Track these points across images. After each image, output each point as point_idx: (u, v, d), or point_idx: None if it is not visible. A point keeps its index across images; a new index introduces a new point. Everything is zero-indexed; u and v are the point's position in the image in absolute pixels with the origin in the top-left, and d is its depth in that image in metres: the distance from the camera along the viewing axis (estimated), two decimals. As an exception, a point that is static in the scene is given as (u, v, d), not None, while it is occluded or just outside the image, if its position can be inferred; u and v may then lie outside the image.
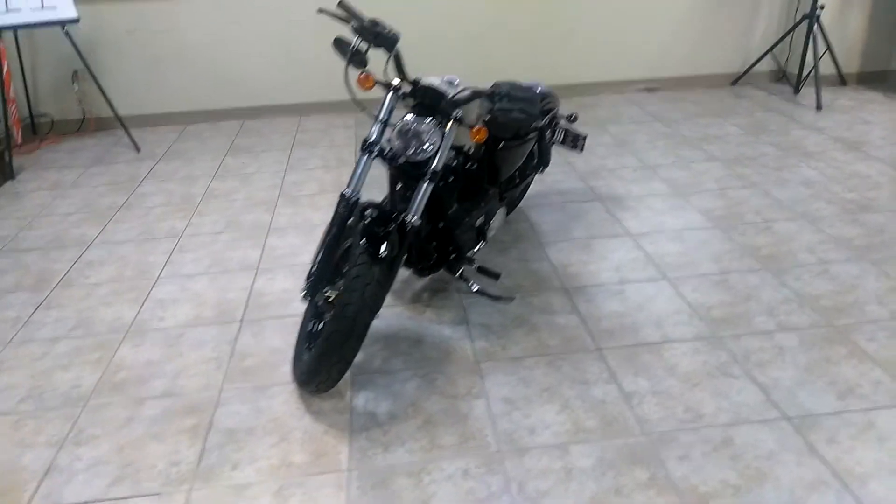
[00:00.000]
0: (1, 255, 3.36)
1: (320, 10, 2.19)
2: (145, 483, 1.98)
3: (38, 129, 5.21)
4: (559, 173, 4.06)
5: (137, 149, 4.79)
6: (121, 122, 4.84)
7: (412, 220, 2.24)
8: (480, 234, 2.81)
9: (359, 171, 2.23)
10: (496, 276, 2.72)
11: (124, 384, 2.40)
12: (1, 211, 3.88)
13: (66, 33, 4.51)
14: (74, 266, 3.22)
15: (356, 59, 2.18)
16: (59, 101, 5.17)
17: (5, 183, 4.29)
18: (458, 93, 2.25)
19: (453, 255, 2.66)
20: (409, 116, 2.20)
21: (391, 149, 2.26)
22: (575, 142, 3.42)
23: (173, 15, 5.04)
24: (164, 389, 2.37)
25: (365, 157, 2.24)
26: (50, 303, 2.93)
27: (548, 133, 3.18)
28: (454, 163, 2.56)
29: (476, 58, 5.44)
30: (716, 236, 3.24)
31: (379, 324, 2.68)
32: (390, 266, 2.16)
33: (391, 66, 2.28)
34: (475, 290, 2.73)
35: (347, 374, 2.38)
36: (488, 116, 2.33)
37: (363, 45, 2.17)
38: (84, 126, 5.22)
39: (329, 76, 5.30)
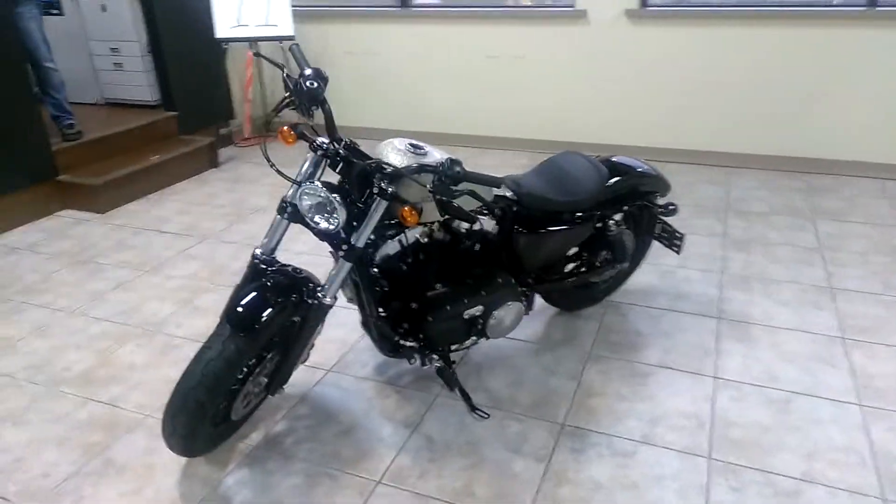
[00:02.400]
0: (143, 233, 3.86)
1: (256, 55, 1.99)
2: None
3: (272, 128, 5.92)
4: (699, 270, 3.18)
5: (321, 158, 5.12)
6: (313, 130, 5.23)
7: (323, 300, 1.92)
8: (473, 327, 2.31)
9: (272, 230, 2.00)
10: (450, 388, 2.20)
11: (90, 382, 2.52)
12: (181, 195, 4.48)
13: (282, 48, 5.01)
14: (175, 256, 3.54)
15: (299, 107, 1.94)
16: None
17: (208, 170, 4.95)
18: (378, 163, 1.87)
19: (424, 344, 2.23)
20: (316, 184, 1.89)
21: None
22: (670, 240, 2.64)
23: (384, 40, 5.26)
24: (112, 396, 2.43)
25: (278, 218, 1.99)
26: (129, 285, 3.25)
27: (612, 223, 2.49)
28: (426, 240, 2.13)
29: (700, 118, 4.63)
30: (846, 420, 2.18)
31: (335, 393, 2.40)
32: (273, 345, 1.90)
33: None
34: (455, 387, 2.25)
35: (251, 441, 2.16)
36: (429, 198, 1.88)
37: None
38: (302, 130, 5.78)
39: (507, 113, 5.09)
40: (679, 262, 3.27)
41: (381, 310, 2.14)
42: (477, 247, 2.27)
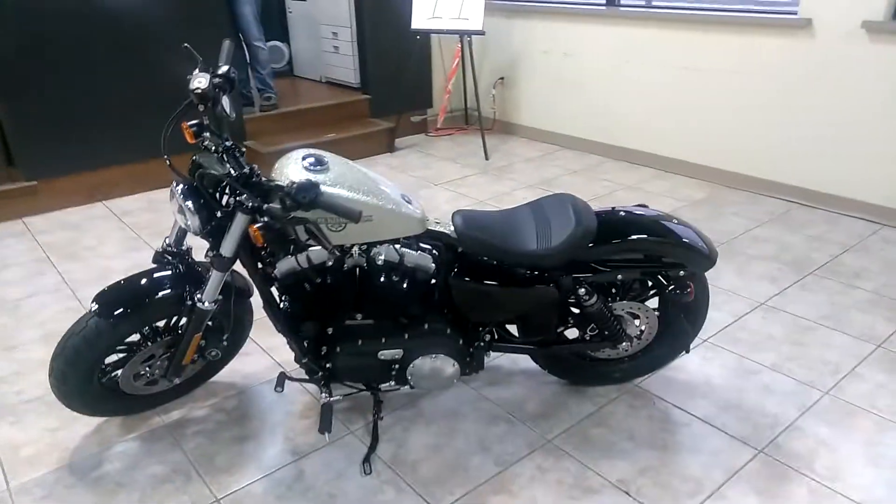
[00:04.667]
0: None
1: (185, 47, 1.90)
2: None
3: (469, 120, 5.93)
4: (796, 381, 2.33)
5: (486, 156, 4.97)
6: (480, 129, 5.09)
7: (197, 304, 1.88)
8: (388, 371, 2.03)
9: (174, 223, 2.00)
10: (320, 430, 1.93)
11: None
12: (341, 172, 4.75)
13: (469, 43, 4.94)
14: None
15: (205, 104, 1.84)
16: (486, 102, 5.73)
17: (381, 154, 5.17)
18: (215, 174, 1.73)
19: (327, 372, 2.04)
20: (178, 187, 1.81)
21: None
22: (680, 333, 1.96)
23: (583, 41, 4.83)
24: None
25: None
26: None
27: (582, 291, 1.92)
28: (330, 263, 1.90)
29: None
30: None
31: (270, 397, 2.33)
32: (149, 335, 1.97)
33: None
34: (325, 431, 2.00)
35: (168, 418, 2.23)
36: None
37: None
38: (493, 126, 5.68)
39: (698, 135, 4.34)
40: (780, 361, 2.45)
41: (293, 326, 2.01)
42: (404, 284, 1.97)
